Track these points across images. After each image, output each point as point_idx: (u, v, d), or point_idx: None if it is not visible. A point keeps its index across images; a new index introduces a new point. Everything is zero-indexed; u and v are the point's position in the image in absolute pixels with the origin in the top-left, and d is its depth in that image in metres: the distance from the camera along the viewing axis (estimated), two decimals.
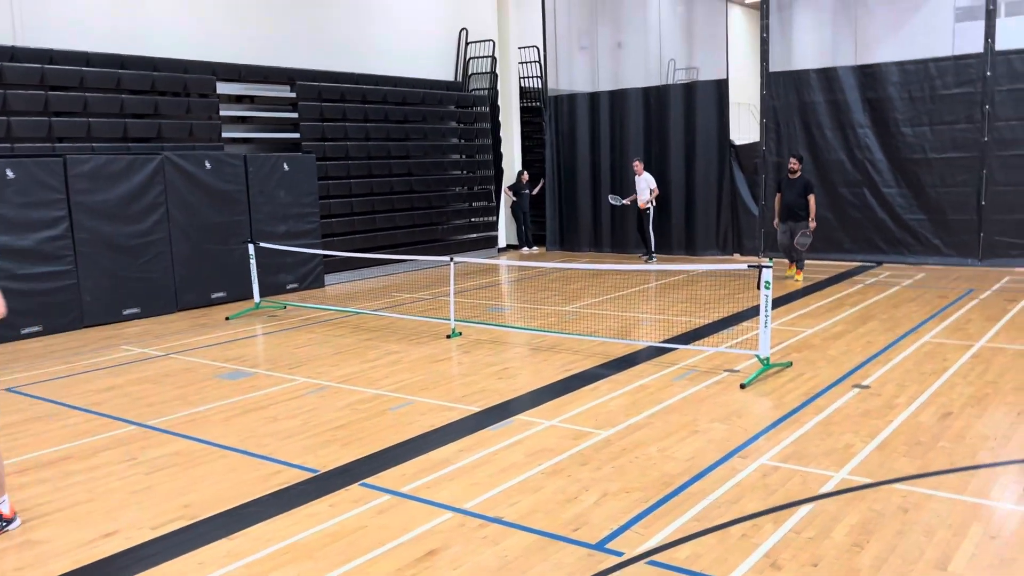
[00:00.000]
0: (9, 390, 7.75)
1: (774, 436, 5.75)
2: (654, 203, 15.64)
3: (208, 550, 4.34)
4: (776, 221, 12.85)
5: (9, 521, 4.65)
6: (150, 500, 5.03)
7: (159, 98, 12.06)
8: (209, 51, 13.03)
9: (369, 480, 5.19)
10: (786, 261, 13.06)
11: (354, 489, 5.06)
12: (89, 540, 4.50)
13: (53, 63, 11.06)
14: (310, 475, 5.34)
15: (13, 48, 10.74)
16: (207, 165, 12.01)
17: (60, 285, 10.44)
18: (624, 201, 15.97)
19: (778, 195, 12.78)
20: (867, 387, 6.84)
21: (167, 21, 12.60)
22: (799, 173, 12.56)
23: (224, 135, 12.98)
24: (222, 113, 13.01)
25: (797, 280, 12.49)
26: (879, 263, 14.05)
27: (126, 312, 11.12)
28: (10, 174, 9.96)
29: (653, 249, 15.65)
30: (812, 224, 12.33)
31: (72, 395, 7.50)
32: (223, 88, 13.00)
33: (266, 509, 4.81)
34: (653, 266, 8.97)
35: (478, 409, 6.62)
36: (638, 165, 15.73)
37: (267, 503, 4.92)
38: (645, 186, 15.57)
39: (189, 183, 11.76)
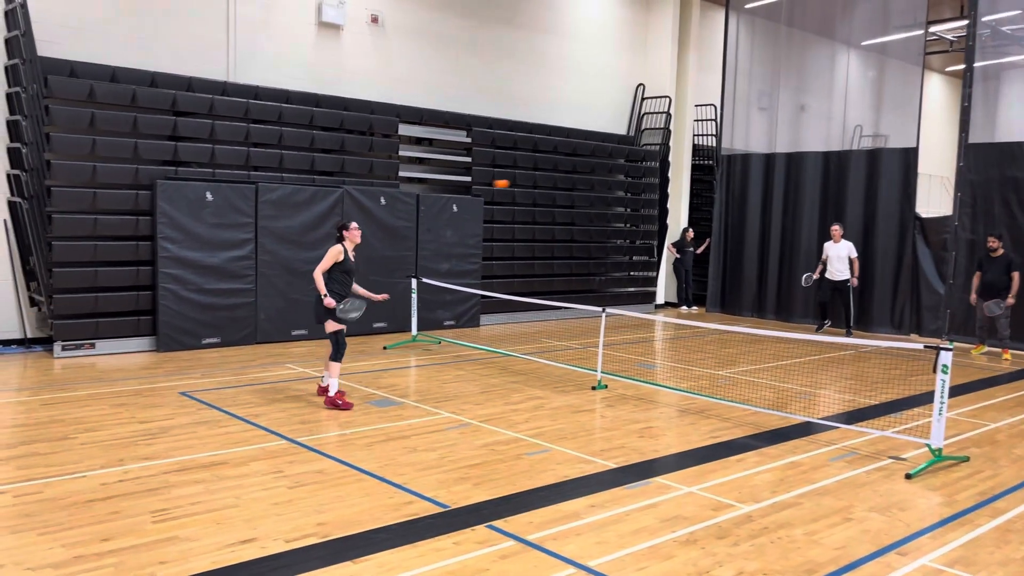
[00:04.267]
0: (183, 393, 8.37)
1: (940, 536, 5.19)
2: (855, 273, 14.34)
3: (334, 570, 4.42)
4: (973, 297, 12.78)
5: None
6: (289, 513, 5.22)
7: (346, 135, 12.86)
8: (395, 95, 13.82)
9: (496, 523, 5.14)
10: (970, 344, 12.76)
11: (480, 530, 5.02)
12: (228, 544, 4.71)
13: (258, 99, 12.08)
14: (440, 509, 5.36)
15: (225, 84, 11.84)
16: (382, 201, 12.63)
17: (240, 302, 11.24)
18: (814, 276, 14.53)
19: (978, 273, 12.70)
20: None
21: (359, 66, 13.49)
22: (1000, 251, 12.44)
23: (401, 174, 13.63)
24: (401, 153, 13.69)
25: (1006, 359, 12.38)
26: None
27: (294, 333, 11.78)
28: (209, 197, 10.91)
29: (852, 324, 14.50)
30: (1011, 300, 12.23)
31: (236, 405, 7.99)
32: (404, 130, 13.69)
33: (393, 538, 4.86)
34: (820, 337, 8.59)
35: (615, 466, 6.44)
36: (836, 230, 14.43)
37: (395, 532, 4.97)
38: (846, 254, 14.28)
39: (364, 216, 12.40)
